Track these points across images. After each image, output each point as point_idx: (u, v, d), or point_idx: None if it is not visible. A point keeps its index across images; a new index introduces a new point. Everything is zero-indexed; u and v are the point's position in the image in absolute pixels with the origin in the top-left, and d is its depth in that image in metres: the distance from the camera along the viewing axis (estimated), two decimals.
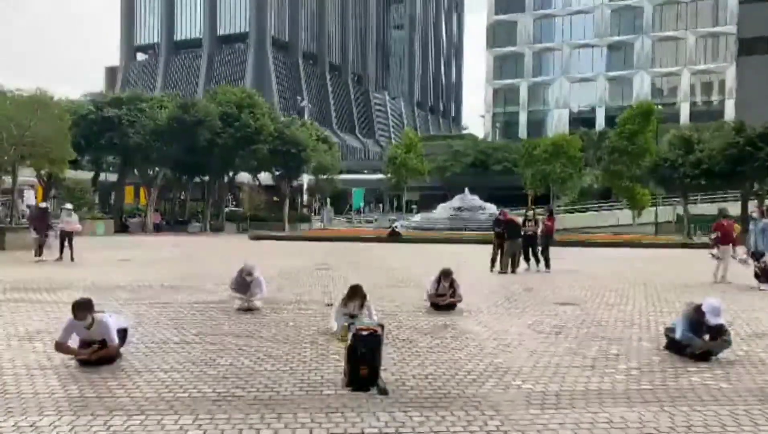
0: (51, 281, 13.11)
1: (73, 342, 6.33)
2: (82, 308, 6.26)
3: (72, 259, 17.84)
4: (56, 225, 18.82)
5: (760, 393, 5.69)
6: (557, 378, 6.06)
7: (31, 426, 4.60)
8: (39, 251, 18.12)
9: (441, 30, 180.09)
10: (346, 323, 7.23)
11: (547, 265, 16.92)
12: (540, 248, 17.13)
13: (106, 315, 6.47)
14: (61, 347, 6.30)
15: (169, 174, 43.99)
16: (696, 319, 6.86)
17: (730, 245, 14.73)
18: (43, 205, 21.63)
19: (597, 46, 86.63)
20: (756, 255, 13.64)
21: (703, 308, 6.83)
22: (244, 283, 9.70)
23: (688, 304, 7.26)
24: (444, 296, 9.94)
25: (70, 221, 18.60)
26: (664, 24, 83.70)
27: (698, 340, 6.79)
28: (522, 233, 16.86)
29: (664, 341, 7.37)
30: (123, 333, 6.74)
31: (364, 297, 7.84)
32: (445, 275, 10.01)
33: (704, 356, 6.74)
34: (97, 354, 6.21)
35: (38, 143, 30.17)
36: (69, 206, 20.05)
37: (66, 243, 18.13)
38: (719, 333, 6.83)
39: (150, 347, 7.15)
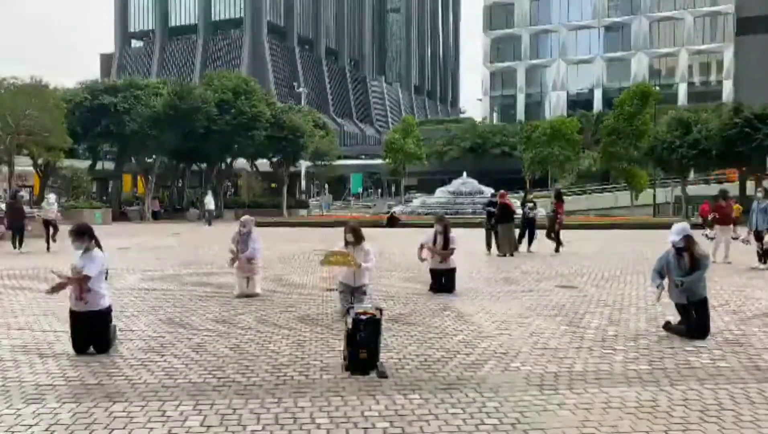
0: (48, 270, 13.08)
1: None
2: (76, 232, 6.29)
3: (48, 249, 17.66)
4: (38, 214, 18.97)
5: (756, 372, 5.72)
6: (556, 359, 6.10)
7: (33, 413, 4.62)
8: (16, 243, 17.84)
9: (437, 13, 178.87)
10: (345, 307, 7.25)
11: (557, 249, 16.90)
12: (546, 232, 17.31)
13: (99, 253, 6.35)
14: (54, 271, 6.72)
15: (167, 162, 43.91)
16: (671, 253, 6.94)
17: (731, 225, 14.81)
18: (21, 194, 21.85)
19: (594, 27, 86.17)
20: (757, 235, 13.66)
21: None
22: (240, 236, 9.79)
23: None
24: (436, 246, 10.00)
25: (48, 209, 18.98)
26: (661, 4, 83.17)
27: (658, 279, 6.98)
28: (521, 216, 16.93)
29: (661, 321, 7.41)
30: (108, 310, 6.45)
31: (355, 230, 8.26)
32: (439, 220, 10.31)
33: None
34: (70, 280, 6.22)
35: (35, 131, 30.11)
36: (50, 195, 20.52)
37: (50, 232, 18.13)
38: (696, 260, 6.84)
39: (150, 334, 7.18)
